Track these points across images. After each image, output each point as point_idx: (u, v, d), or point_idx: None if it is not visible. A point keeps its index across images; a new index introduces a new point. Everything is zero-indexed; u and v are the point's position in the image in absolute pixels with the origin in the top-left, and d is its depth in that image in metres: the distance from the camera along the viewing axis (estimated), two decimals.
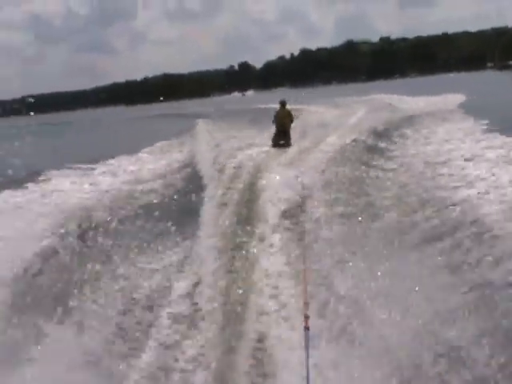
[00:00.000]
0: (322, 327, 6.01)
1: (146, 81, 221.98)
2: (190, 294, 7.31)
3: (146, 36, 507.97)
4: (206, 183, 12.87)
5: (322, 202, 10.86)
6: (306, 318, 4.62)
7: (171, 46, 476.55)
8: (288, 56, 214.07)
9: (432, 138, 19.29)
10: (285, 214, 9.97)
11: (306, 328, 4.47)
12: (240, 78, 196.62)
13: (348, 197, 11.34)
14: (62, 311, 6.86)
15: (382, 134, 19.59)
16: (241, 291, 7.08)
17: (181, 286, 7.63)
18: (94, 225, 10.44)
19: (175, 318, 6.74)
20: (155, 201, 12.86)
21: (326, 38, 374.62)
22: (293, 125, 19.63)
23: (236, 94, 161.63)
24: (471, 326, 5.61)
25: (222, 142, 19.83)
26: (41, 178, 16.92)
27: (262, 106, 45.01)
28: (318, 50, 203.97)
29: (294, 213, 10.09)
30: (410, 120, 24.98)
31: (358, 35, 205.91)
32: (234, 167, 14.06)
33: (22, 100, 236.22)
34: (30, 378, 5.52)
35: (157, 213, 11.18)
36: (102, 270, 8.26)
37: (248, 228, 9.31)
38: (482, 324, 5.63)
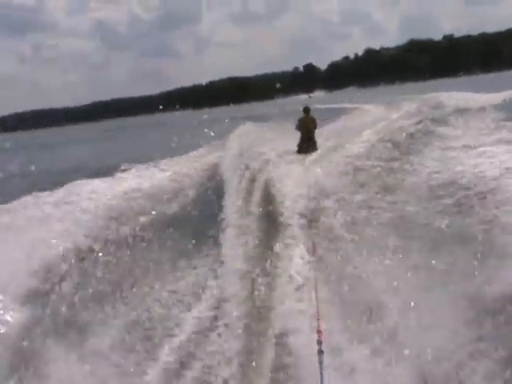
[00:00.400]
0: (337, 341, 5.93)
1: (211, 84, 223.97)
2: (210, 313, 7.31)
3: (211, 39, 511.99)
4: (227, 193, 12.85)
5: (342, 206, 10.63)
6: (319, 333, 4.68)
7: (236, 49, 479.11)
8: (352, 56, 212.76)
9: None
10: (303, 225, 9.71)
11: (319, 342, 4.54)
12: (305, 80, 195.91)
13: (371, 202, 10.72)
14: (72, 332, 6.97)
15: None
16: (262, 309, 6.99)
17: (203, 302, 7.67)
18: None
19: (192, 337, 6.77)
20: (171, 213, 12.79)
21: (390, 37, 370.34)
22: (317, 130, 19.81)
23: (301, 96, 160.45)
24: None
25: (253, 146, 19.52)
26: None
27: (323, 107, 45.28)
28: (382, 49, 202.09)
29: (313, 223, 9.82)
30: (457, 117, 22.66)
31: (422, 34, 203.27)
32: (254, 176, 13.83)
33: (91, 106, 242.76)
34: None
35: (172, 229, 10.98)
36: (118, 289, 8.28)
37: (269, 244, 9.07)
38: None
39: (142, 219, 11.98)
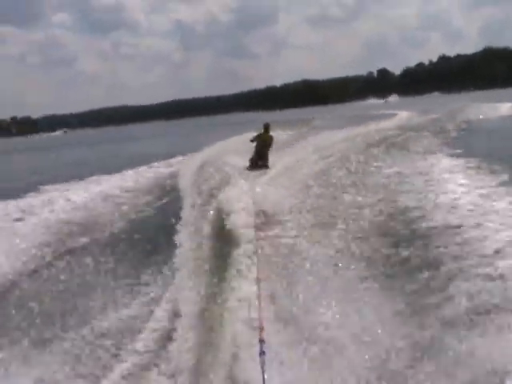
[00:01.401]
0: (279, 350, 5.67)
1: (285, 86, 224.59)
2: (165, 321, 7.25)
3: (286, 41, 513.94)
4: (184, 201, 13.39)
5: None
6: (261, 341, 4.61)
7: (311, 51, 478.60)
8: (427, 63, 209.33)
9: None
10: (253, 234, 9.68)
11: (262, 352, 4.46)
12: (379, 85, 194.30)
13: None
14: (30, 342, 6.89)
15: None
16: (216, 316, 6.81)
17: (157, 313, 7.57)
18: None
19: (148, 346, 6.70)
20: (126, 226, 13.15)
21: (469, 43, 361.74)
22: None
23: (372, 101, 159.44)
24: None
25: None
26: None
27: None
28: (457, 56, 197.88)
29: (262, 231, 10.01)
30: None
31: (502, 41, 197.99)
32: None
33: (169, 104, 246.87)
34: None
35: (126, 243, 11.29)
36: (77, 297, 8.30)
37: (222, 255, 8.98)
38: None
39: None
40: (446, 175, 14.29)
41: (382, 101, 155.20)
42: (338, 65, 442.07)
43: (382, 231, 9.81)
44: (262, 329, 4.76)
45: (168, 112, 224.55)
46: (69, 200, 17.11)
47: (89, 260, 10.14)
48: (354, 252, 8.75)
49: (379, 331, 5.97)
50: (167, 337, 6.76)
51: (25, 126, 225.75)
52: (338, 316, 6.38)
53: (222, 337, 6.21)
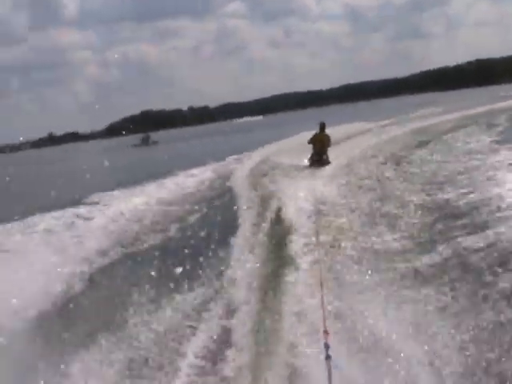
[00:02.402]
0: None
1: (458, 66, 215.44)
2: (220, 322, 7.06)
3: (460, 20, 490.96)
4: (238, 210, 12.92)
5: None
6: (327, 346, 4.30)
7: (486, 29, 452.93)
8: None
9: None
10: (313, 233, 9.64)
11: (328, 357, 4.15)
12: None
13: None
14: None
15: None
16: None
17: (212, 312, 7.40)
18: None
19: (204, 352, 6.42)
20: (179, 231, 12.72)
21: None
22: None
23: None
24: None
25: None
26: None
27: None
28: None
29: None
30: None
31: None
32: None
33: (341, 89, 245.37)
34: None
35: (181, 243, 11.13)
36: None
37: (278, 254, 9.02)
38: None
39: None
40: None
41: None
42: None
43: None
44: (326, 332, 4.49)
45: (341, 96, 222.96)
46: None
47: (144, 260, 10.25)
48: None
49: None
50: (224, 336, 6.64)
51: (201, 115, 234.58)
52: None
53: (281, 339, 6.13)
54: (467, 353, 5.42)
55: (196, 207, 14.84)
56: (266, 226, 10.74)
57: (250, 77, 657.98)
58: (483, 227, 9.00)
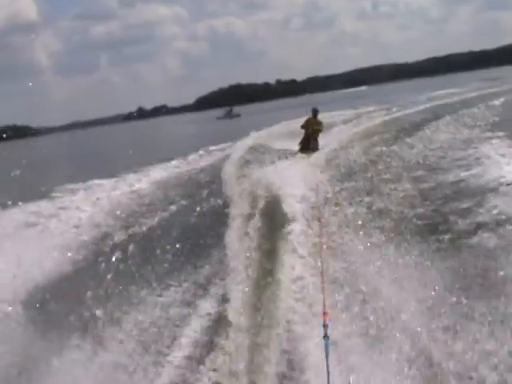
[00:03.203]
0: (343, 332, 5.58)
1: None
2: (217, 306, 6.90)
3: None
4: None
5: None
6: (325, 326, 4.39)
7: None
8: None
9: None
10: (307, 217, 9.72)
11: (326, 337, 4.26)
12: None
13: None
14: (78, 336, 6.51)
15: None
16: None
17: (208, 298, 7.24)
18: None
19: (201, 332, 6.36)
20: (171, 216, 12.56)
21: None
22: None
23: None
24: None
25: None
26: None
27: None
28: None
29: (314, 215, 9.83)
30: None
31: None
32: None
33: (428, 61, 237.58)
34: None
35: (174, 231, 10.84)
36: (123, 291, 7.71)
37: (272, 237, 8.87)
38: None
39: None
40: None
41: None
42: None
43: None
44: (325, 313, 4.54)
45: (429, 69, 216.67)
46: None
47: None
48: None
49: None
50: (221, 319, 6.44)
51: (289, 89, 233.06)
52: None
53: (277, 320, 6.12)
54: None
55: None
56: None
57: (338, 49, 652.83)
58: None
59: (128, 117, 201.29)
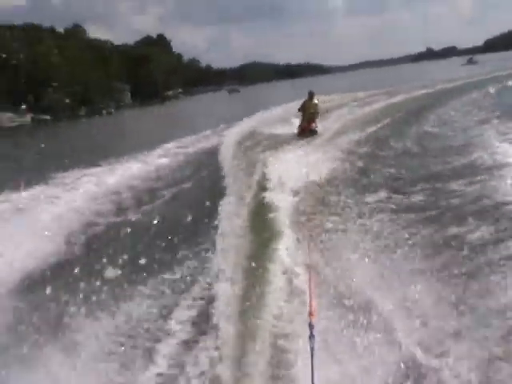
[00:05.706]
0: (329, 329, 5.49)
1: None
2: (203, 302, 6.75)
3: None
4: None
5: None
6: (311, 326, 4.25)
7: None
8: None
9: None
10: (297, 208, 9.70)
11: (312, 336, 4.13)
12: None
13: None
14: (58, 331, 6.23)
15: None
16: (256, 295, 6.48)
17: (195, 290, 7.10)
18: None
19: (188, 324, 6.25)
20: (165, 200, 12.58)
21: None
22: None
23: None
24: None
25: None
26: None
27: None
28: None
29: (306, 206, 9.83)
30: None
31: None
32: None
33: None
34: None
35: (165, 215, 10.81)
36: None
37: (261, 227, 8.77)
38: None
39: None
40: None
41: None
42: None
43: None
44: (311, 314, 4.41)
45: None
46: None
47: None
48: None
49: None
50: (208, 312, 6.34)
51: None
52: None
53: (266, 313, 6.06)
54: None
55: None
56: None
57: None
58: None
59: (417, 57, 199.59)
